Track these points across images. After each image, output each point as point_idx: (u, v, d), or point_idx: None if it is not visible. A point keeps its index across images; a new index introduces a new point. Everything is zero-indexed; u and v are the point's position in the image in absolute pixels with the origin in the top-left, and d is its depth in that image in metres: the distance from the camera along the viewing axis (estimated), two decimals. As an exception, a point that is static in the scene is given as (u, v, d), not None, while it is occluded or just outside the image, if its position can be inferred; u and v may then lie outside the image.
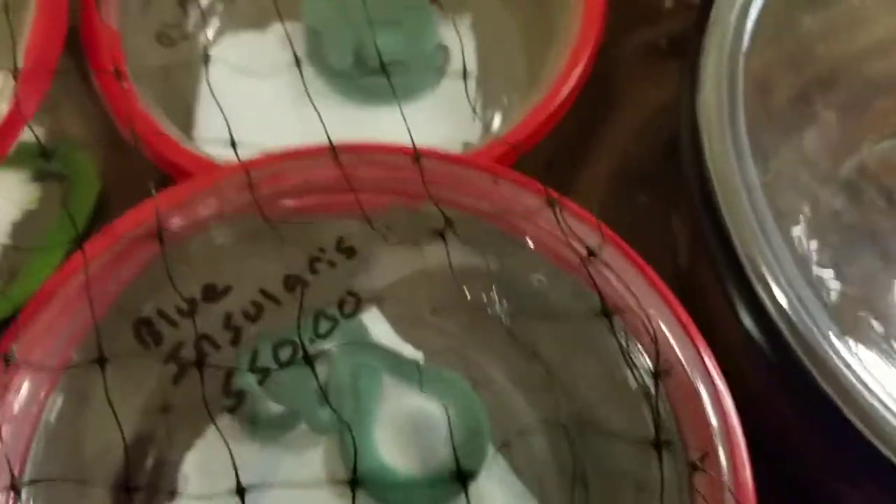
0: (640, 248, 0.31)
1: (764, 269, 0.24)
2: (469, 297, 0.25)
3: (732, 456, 0.21)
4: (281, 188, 0.24)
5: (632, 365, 0.22)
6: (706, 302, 0.26)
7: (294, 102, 0.29)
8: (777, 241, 0.24)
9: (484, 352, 0.26)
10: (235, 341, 0.23)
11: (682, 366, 0.22)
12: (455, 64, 0.32)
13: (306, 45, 0.32)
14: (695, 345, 0.22)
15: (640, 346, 0.22)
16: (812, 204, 0.28)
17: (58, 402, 0.22)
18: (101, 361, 0.21)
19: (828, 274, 0.26)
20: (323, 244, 0.25)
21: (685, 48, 0.29)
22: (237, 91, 0.29)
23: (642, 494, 0.22)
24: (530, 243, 0.24)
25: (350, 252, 0.25)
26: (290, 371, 0.24)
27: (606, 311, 0.22)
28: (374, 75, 0.30)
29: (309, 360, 0.22)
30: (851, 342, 0.24)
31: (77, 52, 0.28)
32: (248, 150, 0.28)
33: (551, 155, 0.30)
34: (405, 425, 0.25)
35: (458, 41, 0.29)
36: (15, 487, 0.21)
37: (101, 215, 0.31)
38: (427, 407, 0.25)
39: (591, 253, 0.23)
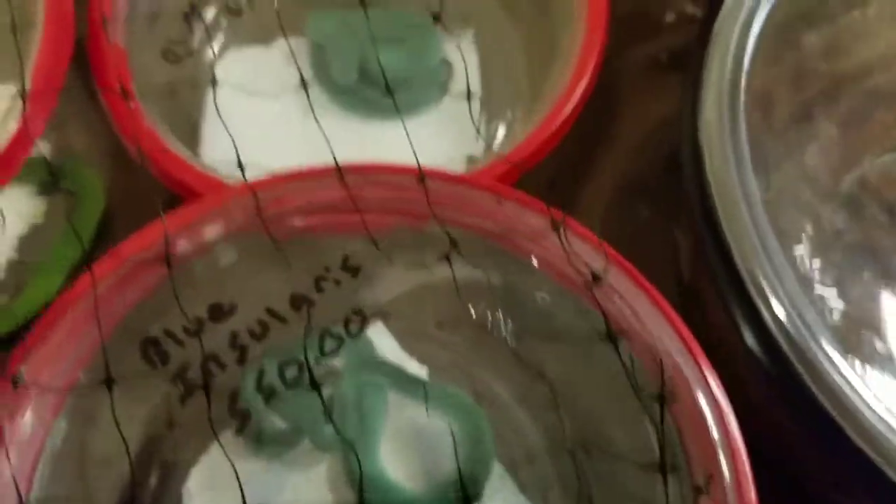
0: (642, 261, 0.31)
1: (765, 286, 0.24)
2: (474, 316, 0.25)
3: (737, 479, 0.21)
4: (287, 209, 0.25)
5: (637, 389, 0.22)
6: (708, 314, 0.26)
7: (300, 118, 0.29)
8: (779, 258, 0.24)
9: (489, 368, 0.27)
10: (241, 360, 0.24)
11: (688, 390, 0.22)
12: (458, 78, 0.32)
13: (311, 61, 0.33)
14: (700, 369, 0.22)
15: (645, 370, 0.22)
16: (814, 222, 0.28)
17: (64, 422, 0.23)
18: (109, 383, 0.21)
19: (830, 292, 0.26)
20: (328, 263, 0.25)
21: (686, 62, 0.29)
22: (242, 107, 0.30)
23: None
24: (535, 262, 0.25)
25: (355, 271, 0.25)
26: (296, 389, 0.24)
27: (612, 336, 0.22)
28: (378, 90, 0.30)
29: (315, 385, 0.22)
30: (853, 360, 0.24)
31: (83, 68, 0.29)
32: (254, 166, 0.29)
33: (554, 170, 0.30)
34: (410, 442, 0.25)
35: (462, 60, 0.29)
36: (23, 508, 0.21)
37: (107, 231, 0.32)
38: (432, 424, 0.25)
39: (595, 277, 0.23)
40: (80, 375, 0.23)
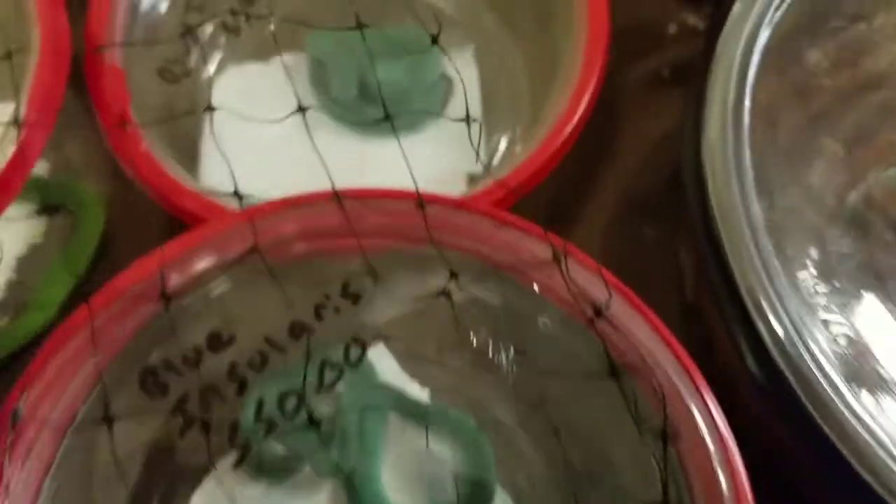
0: (644, 279, 0.31)
1: (767, 309, 0.24)
2: (475, 344, 0.25)
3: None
4: (285, 235, 0.24)
5: (640, 426, 0.22)
6: (710, 333, 0.26)
7: (299, 136, 0.29)
8: (781, 280, 0.24)
9: (490, 392, 0.26)
10: (241, 391, 0.23)
11: (693, 428, 0.22)
12: (459, 94, 0.32)
13: (310, 77, 0.32)
14: (706, 405, 0.22)
15: (649, 404, 0.22)
16: (818, 243, 0.28)
17: (64, 455, 0.22)
18: (109, 420, 0.21)
19: (833, 315, 0.26)
20: (328, 290, 0.25)
21: (689, 76, 0.29)
22: (241, 125, 0.29)
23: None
24: (536, 288, 0.24)
25: (356, 298, 0.25)
26: (295, 419, 0.24)
27: (615, 371, 0.22)
28: (378, 107, 0.29)
29: (313, 421, 0.22)
30: (854, 384, 0.24)
31: (81, 84, 0.28)
32: (254, 185, 0.29)
33: (554, 188, 0.30)
34: (412, 466, 0.25)
35: (462, 83, 0.28)
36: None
37: (107, 250, 0.32)
38: (434, 447, 0.25)
39: (597, 312, 0.23)
40: (79, 407, 0.22)
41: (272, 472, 0.24)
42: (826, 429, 0.22)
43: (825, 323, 0.26)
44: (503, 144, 0.32)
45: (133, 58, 0.29)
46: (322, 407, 0.24)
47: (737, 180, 0.26)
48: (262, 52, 0.32)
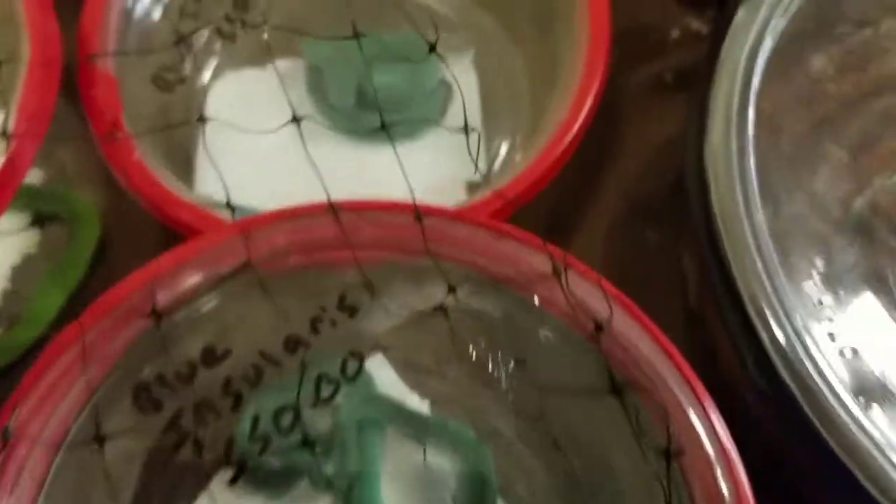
0: (648, 284, 0.31)
1: (770, 317, 0.23)
2: (474, 358, 0.25)
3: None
4: (280, 248, 0.24)
5: (642, 443, 0.21)
6: (713, 340, 0.26)
7: (296, 145, 0.29)
8: (785, 289, 0.24)
9: (490, 403, 0.26)
10: (236, 407, 0.23)
11: (697, 442, 0.21)
12: (458, 99, 0.31)
13: (307, 82, 0.32)
14: (710, 420, 0.22)
15: (652, 420, 0.22)
16: (823, 251, 0.27)
17: (58, 473, 0.22)
18: (100, 440, 0.21)
19: (836, 323, 0.26)
20: (325, 303, 0.24)
21: (692, 82, 0.28)
22: (237, 134, 0.29)
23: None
24: (536, 300, 0.24)
25: (352, 311, 0.24)
26: (292, 435, 0.23)
27: (617, 388, 0.22)
28: (376, 113, 0.29)
29: (308, 443, 0.21)
30: (858, 395, 0.24)
31: (75, 91, 0.28)
32: (250, 193, 0.28)
33: (556, 194, 0.30)
34: (411, 478, 0.24)
35: (461, 93, 0.28)
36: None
37: (104, 257, 0.31)
38: (434, 460, 0.24)
39: (599, 328, 0.22)
40: (71, 424, 0.22)
41: (269, 485, 0.24)
42: (827, 436, 0.22)
43: (829, 331, 0.25)
44: (503, 150, 0.32)
45: (126, 65, 0.28)
46: (320, 419, 0.24)
47: (740, 187, 0.25)
48: (259, 58, 0.31)
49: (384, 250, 0.24)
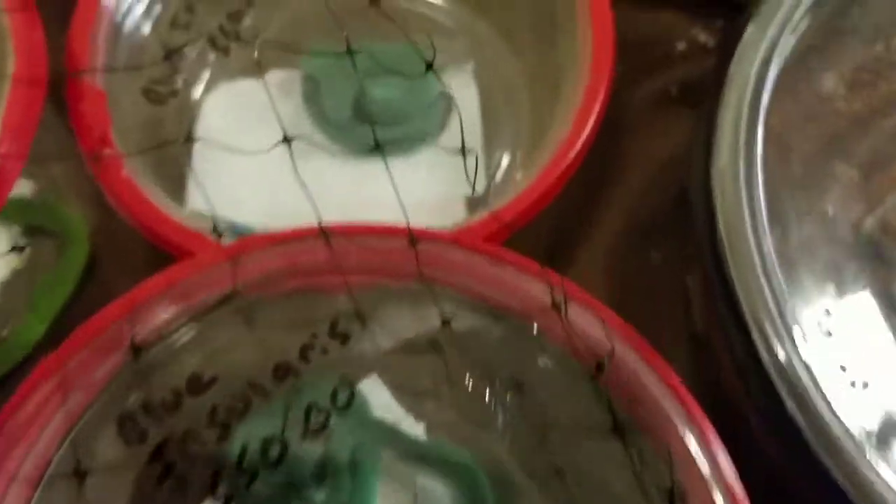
0: (652, 301, 0.30)
1: (775, 342, 0.23)
2: (470, 388, 0.24)
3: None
4: (270, 272, 0.23)
5: (645, 480, 0.20)
6: (718, 362, 0.25)
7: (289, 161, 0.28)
8: (791, 314, 0.23)
9: (487, 430, 0.25)
10: (222, 438, 0.22)
11: (703, 486, 0.21)
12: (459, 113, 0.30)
13: (304, 93, 0.31)
14: (716, 462, 0.21)
15: (657, 458, 0.21)
16: (832, 274, 0.26)
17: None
18: (80, 475, 0.20)
19: (844, 349, 0.25)
20: (316, 329, 0.24)
21: (698, 96, 0.28)
22: (228, 154, 0.28)
23: None
24: (535, 329, 0.23)
25: (344, 338, 0.24)
26: (280, 466, 0.23)
27: (619, 428, 0.21)
28: (375, 126, 0.28)
29: (294, 486, 0.21)
30: (862, 421, 0.23)
31: (63, 103, 0.27)
32: (244, 209, 0.28)
33: (557, 211, 0.29)
34: (406, 502, 0.24)
35: (458, 112, 0.27)
36: None
37: (93, 272, 0.31)
38: (429, 484, 0.24)
39: (599, 367, 0.21)
40: (53, 457, 0.21)
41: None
42: (835, 473, 0.21)
43: (835, 354, 0.24)
44: (504, 164, 0.31)
45: (116, 78, 0.28)
46: (310, 446, 0.23)
47: (748, 208, 0.25)
48: (254, 69, 0.30)
49: (377, 275, 0.24)
